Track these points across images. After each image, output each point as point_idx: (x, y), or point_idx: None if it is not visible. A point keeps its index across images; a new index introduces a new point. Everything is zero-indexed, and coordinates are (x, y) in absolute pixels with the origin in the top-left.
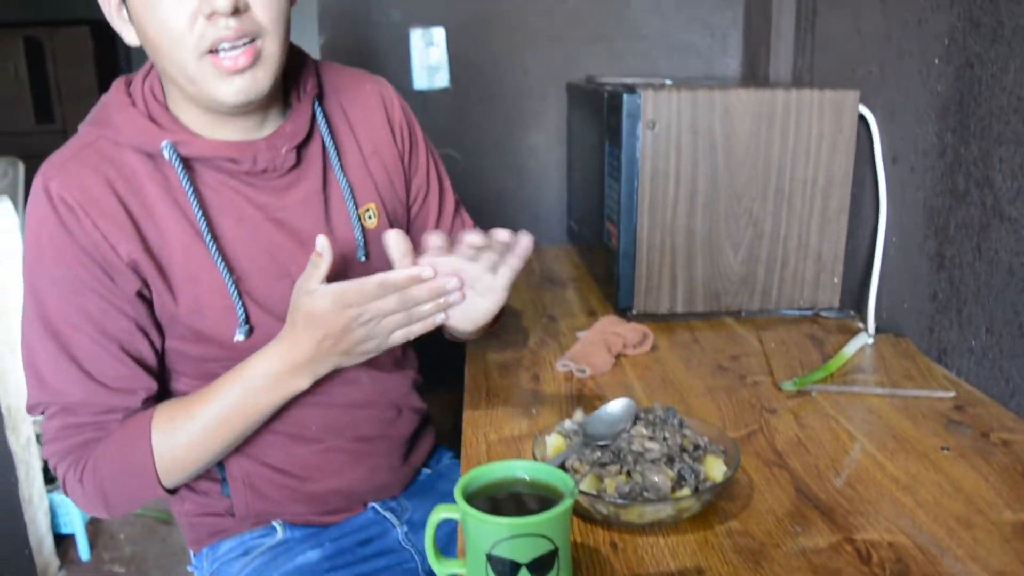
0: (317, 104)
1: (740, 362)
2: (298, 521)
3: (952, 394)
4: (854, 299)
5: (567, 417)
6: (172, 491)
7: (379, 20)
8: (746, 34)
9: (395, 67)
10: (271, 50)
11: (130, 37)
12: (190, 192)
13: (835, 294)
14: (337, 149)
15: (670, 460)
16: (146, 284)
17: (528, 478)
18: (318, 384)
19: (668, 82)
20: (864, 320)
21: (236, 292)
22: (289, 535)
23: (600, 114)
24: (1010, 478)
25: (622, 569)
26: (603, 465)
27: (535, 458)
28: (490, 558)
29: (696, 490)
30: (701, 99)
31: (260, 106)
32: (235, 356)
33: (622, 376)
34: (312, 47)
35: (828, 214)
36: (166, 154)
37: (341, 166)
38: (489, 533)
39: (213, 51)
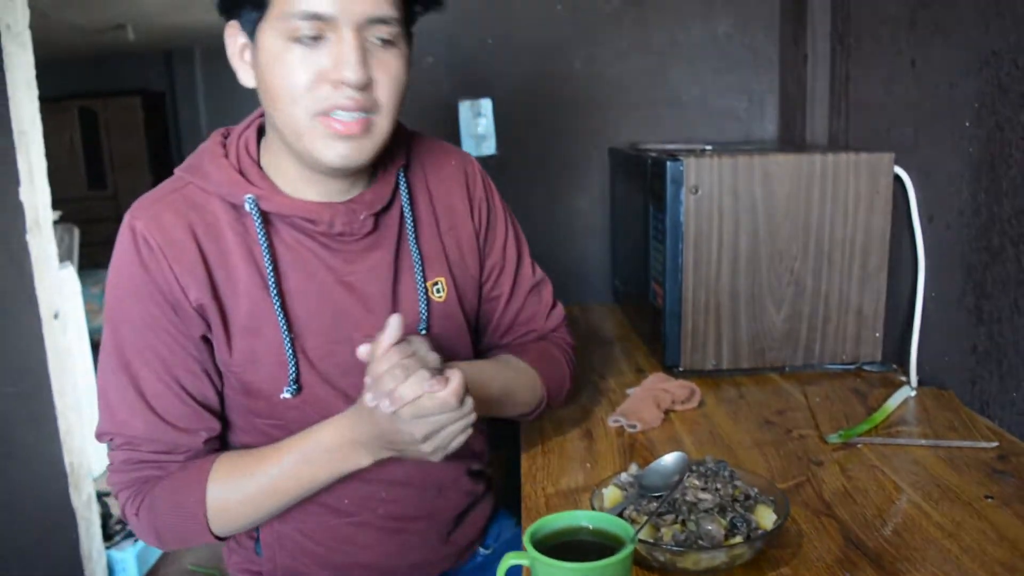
0: (402, 174)
1: (786, 416)
2: None
3: (995, 444)
4: (896, 353)
5: (620, 471)
6: (222, 538)
7: (430, 91)
8: (782, 99)
9: (444, 136)
10: (381, 126)
11: (246, 79)
12: (264, 245)
13: (877, 348)
14: (415, 220)
15: (722, 510)
16: (209, 328)
17: (591, 527)
18: None
19: (708, 148)
20: (907, 373)
21: (291, 349)
22: None
23: (643, 179)
24: None
25: None
26: (659, 515)
27: (594, 509)
28: None
29: (748, 538)
30: (741, 164)
31: (350, 171)
32: (279, 414)
33: (671, 431)
34: None
35: (868, 271)
36: (247, 206)
37: (416, 238)
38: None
39: (326, 113)
